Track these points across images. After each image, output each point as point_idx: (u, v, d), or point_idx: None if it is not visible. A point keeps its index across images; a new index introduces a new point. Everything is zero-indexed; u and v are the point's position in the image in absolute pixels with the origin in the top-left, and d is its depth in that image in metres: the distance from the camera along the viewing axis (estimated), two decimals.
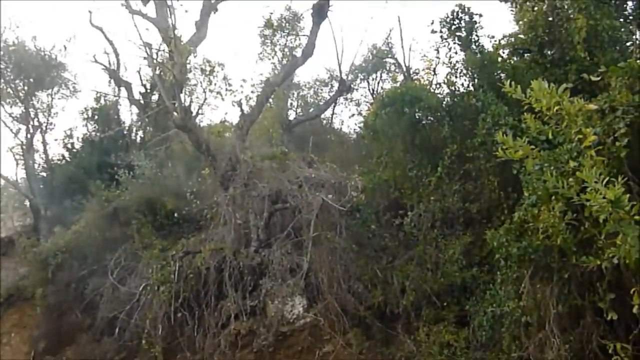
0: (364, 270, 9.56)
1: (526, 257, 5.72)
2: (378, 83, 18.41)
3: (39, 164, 17.82)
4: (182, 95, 11.84)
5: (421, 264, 9.01)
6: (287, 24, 16.70)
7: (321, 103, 18.41)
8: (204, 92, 15.30)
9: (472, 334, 7.53)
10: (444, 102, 9.83)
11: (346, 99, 18.42)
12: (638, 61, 5.76)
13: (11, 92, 17.39)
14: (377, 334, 9.25)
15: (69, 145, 16.77)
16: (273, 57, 17.21)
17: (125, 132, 16.87)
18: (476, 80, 9.56)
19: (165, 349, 10.42)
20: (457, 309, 8.43)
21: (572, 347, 5.32)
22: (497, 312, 6.48)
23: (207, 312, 10.42)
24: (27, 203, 17.54)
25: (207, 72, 13.15)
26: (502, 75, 9.26)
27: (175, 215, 12.88)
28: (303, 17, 16.25)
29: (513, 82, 4.98)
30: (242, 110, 12.43)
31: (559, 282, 5.51)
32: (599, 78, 5.75)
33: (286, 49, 16.87)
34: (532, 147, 5.19)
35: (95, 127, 16.85)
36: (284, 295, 9.95)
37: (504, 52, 9.83)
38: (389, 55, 17.56)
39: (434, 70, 16.23)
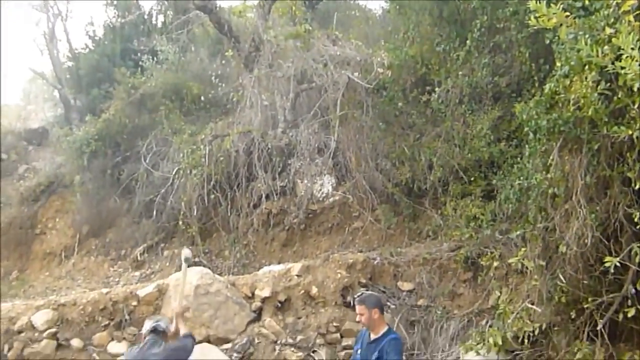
0: (391, 148, 9.58)
1: (556, 129, 5.60)
2: None
3: (64, 54, 17.81)
4: None
5: (449, 140, 8.96)
6: None
7: None
8: None
9: (498, 207, 7.62)
10: None
11: None
12: None
13: None
14: (404, 210, 9.44)
15: (91, 33, 16.58)
16: None
17: (145, 17, 16.51)
18: None
19: (201, 228, 10.87)
20: (484, 183, 8.47)
21: (598, 216, 5.34)
22: (524, 185, 6.49)
23: (238, 193, 10.72)
24: (56, 94, 17.73)
25: None
26: None
27: (202, 99, 12.90)
28: None
29: None
30: None
31: (588, 153, 5.43)
32: None
33: None
34: (567, 14, 4.93)
35: (115, 13, 16.51)
36: (313, 174, 10.12)
37: None
38: None
39: None
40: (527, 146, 6.31)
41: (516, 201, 6.79)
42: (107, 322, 7.32)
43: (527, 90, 8.09)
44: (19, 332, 6.93)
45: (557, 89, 5.64)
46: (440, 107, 9.03)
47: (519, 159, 7.25)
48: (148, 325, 5.14)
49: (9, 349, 6.72)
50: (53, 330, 6.98)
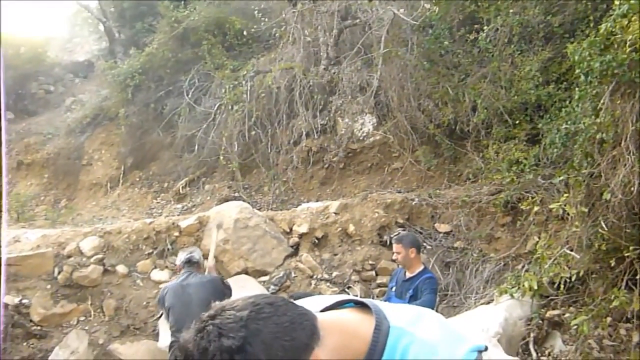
0: (434, 88, 9.35)
1: (609, 72, 5.37)
2: None
3: None
4: None
5: (495, 81, 8.70)
6: None
7: None
8: None
9: (543, 151, 7.45)
10: None
11: None
12: None
13: None
14: (445, 152, 9.32)
15: None
16: None
17: None
18: None
19: (242, 164, 11.02)
20: (529, 127, 8.26)
21: None
22: (571, 129, 6.31)
23: (279, 130, 10.77)
24: (101, 27, 17.83)
25: None
26: None
27: (244, 34, 12.80)
28: None
29: None
30: None
31: None
32: None
33: None
34: None
35: None
36: (354, 113, 10.04)
37: None
38: None
39: None
40: (577, 89, 6.08)
41: (562, 146, 6.63)
42: (150, 251, 7.58)
43: (581, 31, 7.73)
44: (68, 256, 7.24)
45: (614, 29, 5.38)
46: (488, 46, 8.72)
47: (567, 102, 7.02)
48: (182, 256, 5.39)
49: (59, 272, 7.06)
50: (100, 256, 7.28)
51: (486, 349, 1.13)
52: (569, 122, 6.40)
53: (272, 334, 1.02)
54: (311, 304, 1.22)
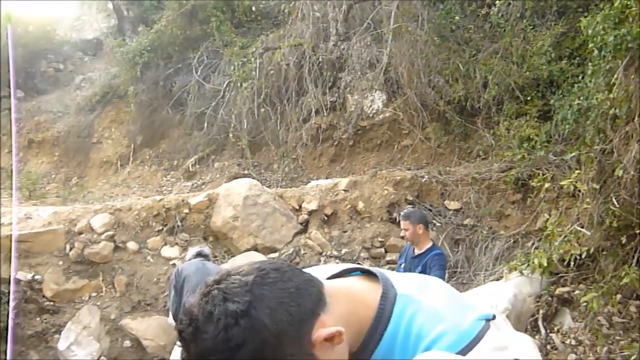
0: (445, 64, 9.22)
1: (623, 46, 5.27)
2: None
3: None
4: None
5: (506, 56, 8.55)
6: None
7: None
8: None
9: (554, 128, 7.36)
10: None
11: None
12: None
13: None
14: (456, 129, 9.24)
15: None
16: None
17: None
18: None
19: (251, 142, 11.02)
20: (541, 103, 8.15)
21: None
22: (583, 105, 6.22)
23: (288, 107, 10.72)
24: (110, 4, 17.74)
25: None
26: None
27: (253, 10, 12.70)
28: None
29: None
30: None
31: None
32: None
33: None
34: None
35: None
36: (363, 89, 9.95)
37: None
38: None
39: None
40: (590, 64, 5.98)
41: (574, 122, 6.55)
42: (160, 228, 7.62)
43: (595, 5, 7.56)
44: (79, 233, 7.30)
45: (628, 2, 5.27)
46: (500, 21, 8.57)
47: (580, 77, 6.91)
48: (193, 251, 5.44)
49: (70, 249, 7.12)
50: (110, 233, 7.34)
51: (494, 317, 1.11)
52: (581, 98, 6.31)
53: (277, 299, 1.01)
54: (318, 271, 1.21)
